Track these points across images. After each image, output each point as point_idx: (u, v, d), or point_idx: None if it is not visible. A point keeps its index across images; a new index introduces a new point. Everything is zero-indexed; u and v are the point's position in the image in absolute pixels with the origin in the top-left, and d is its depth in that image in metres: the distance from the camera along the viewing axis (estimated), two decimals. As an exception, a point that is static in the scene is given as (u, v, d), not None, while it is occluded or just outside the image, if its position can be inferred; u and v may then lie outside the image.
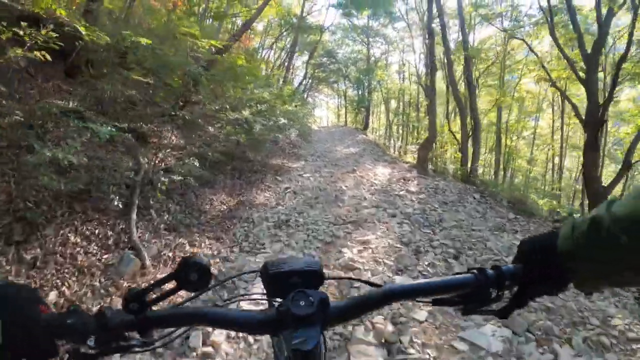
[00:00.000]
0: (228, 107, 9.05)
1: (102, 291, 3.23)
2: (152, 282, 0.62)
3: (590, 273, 0.57)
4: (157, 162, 6.28)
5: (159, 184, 5.07)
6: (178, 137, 7.85)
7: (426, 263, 3.82)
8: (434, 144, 10.46)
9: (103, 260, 3.57)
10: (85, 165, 4.09)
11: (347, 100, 27.92)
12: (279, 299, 0.60)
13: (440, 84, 22.15)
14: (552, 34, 9.72)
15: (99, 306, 1.08)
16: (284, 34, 22.28)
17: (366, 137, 18.92)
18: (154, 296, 0.59)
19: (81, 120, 4.74)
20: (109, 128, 4.23)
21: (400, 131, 22.84)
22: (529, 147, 19.60)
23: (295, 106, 13.14)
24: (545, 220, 6.31)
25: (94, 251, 3.58)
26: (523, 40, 10.92)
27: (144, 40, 5.23)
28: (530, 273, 0.61)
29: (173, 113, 7.67)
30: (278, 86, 14.89)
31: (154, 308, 0.58)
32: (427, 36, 10.54)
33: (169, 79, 7.21)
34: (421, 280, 0.66)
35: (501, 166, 15.25)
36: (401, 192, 6.78)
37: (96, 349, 0.53)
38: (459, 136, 11.37)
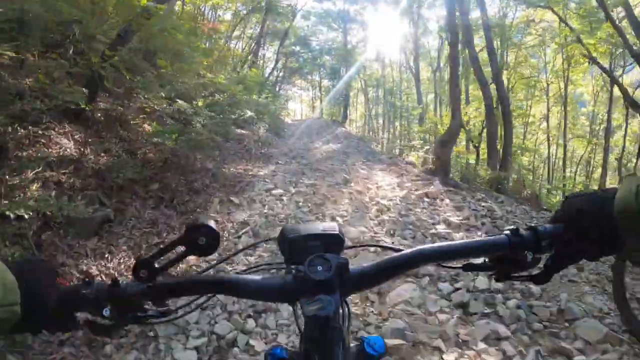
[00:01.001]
0: (164, 95, 5.73)
1: None
2: (160, 247, 0.48)
3: None
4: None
5: None
6: (79, 143, 4.41)
7: None
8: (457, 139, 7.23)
9: None
10: None
11: (323, 91, 24.57)
12: (298, 266, 0.49)
13: (425, 70, 19.25)
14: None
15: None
16: (253, 20, 18.73)
17: (346, 130, 15.90)
18: (163, 264, 0.49)
19: None
20: None
21: (381, 122, 19.72)
22: (520, 136, 16.99)
23: (266, 97, 10.40)
24: None
25: None
26: (550, 8, 7.98)
27: None
28: (574, 233, 0.49)
29: (76, 106, 4.32)
30: (243, 71, 11.51)
31: (167, 279, 0.49)
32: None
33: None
34: (450, 242, 0.54)
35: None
36: (439, 228, 3.67)
37: (112, 320, 0.48)
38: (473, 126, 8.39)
